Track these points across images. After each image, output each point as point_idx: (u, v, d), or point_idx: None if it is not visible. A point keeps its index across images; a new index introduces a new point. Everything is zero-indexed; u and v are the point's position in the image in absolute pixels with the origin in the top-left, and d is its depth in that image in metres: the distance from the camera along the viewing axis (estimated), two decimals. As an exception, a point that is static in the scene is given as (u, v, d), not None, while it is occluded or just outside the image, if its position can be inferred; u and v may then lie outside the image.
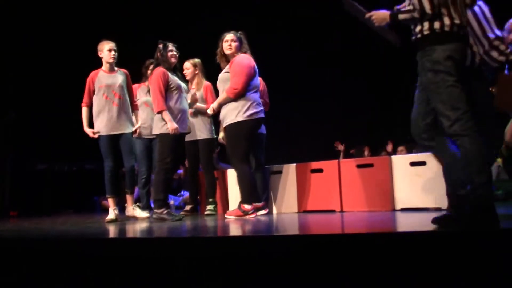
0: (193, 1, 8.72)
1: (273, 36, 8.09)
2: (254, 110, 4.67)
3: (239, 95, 4.63)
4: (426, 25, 2.82)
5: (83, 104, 5.08)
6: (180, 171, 8.55)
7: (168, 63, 4.80)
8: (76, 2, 8.55)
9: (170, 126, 4.60)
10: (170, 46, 4.84)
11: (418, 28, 2.87)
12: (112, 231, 3.79)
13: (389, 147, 7.57)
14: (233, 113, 4.63)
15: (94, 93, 5.05)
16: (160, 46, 4.82)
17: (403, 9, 2.90)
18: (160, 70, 4.72)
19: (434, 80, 2.77)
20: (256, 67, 4.80)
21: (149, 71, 5.24)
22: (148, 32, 7.68)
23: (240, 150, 4.63)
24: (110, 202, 5.00)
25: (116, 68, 5.17)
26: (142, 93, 5.63)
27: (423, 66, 2.84)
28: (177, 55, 4.88)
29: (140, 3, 8.79)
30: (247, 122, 4.62)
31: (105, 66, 5.11)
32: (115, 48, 5.12)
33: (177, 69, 4.94)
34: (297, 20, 8.34)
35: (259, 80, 4.89)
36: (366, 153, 7.71)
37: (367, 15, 3.05)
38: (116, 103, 5.02)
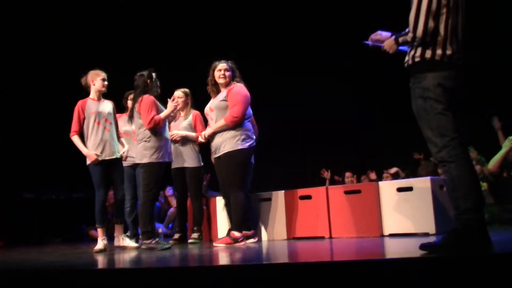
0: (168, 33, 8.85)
1: (258, 63, 8.19)
2: (251, 139, 4.77)
3: (237, 124, 4.69)
4: (418, 51, 2.86)
5: (72, 133, 5.01)
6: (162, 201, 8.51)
7: (157, 91, 4.84)
8: (57, 33, 8.61)
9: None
10: (154, 76, 4.90)
11: (411, 54, 2.91)
12: (101, 261, 3.76)
13: (372, 175, 7.63)
14: (231, 141, 4.67)
15: (84, 121, 5.04)
16: (153, 74, 4.86)
17: (403, 32, 2.95)
18: (151, 97, 4.75)
19: (423, 107, 2.82)
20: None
21: (129, 101, 5.33)
22: (122, 64, 7.76)
23: (238, 178, 4.67)
24: (100, 232, 4.96)
25: (101, 98, 5.22)
26: (122, 123, 5.59)
27: (414, 93, 2.89)
28: (159, 85, 4.95)
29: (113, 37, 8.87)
30: (246, 150, 4.69)
31: (94, 95, 5.13)
32: (106, 77, 5.18)
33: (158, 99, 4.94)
34: (284, 47, 8.47)
35: (251, 110, 4.95)
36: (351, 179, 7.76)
37: (383, 48, 3.09)
38: (108, 129, 5.06)
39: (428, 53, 2.83)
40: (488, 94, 6.74)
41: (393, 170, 7.38)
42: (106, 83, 5.15)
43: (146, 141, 4.69)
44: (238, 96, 4.73)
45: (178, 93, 5.69)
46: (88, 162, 4.97)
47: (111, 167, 5.06)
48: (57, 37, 8.63)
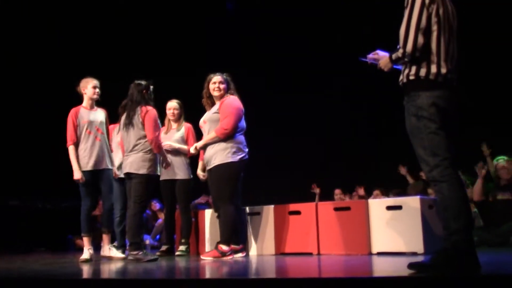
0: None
1: (251, 76, 8.22)
2: (242, 152, 4.75)
3: (228, 136, 4.67)
4: (413, 69, 2.87)
5: (69, 143, 4.93)
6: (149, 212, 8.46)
7: (152, 103, 4.83)
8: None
9: (167, 162, 4.89)
10: (151, 88, 4.90)
11: (405, 72, 2.92)
12: (86, 271, 3.71)
13: (361, 191, 7.64)
14: (222, 154, 4.66)
15: (77, 129, 4.97)
16: (150, 86, 4.85)
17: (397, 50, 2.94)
18: (155, 110, 4.78)
19: (416, 126, 2.83)
20: (243, 109, 4.87)
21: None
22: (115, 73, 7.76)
23: (228, 191, 4.65)
24: (86, 241, 4.90)
25: (95, 107, 5.17)
26: (116, 133, 5.55)
27: (408, 111, 2.89)
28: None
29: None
30: (236, 163, 4.67)
31: (86, 103, 5.10)
32: (98, 85, 5.14)
33: None
34: (277, 61, 8.51)
35: (245, 123, 4.93)
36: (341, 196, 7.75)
37: (378, 65, 3.10)
38: (99, 138, 5.02)
39: (423, 72, 2.84)
40: (478, 118, 6.79)
41: (361, 192, 7.47)
42: (97, 90, 5.11)
43: (146, 152, 4.67)
44: (230, 109, 4.73)
45: (174, 104, 5.68)
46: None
47: (100, 177, 5.01)
48: (45, 43, 8.62)
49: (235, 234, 4.72)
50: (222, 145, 4.68)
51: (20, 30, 8.49)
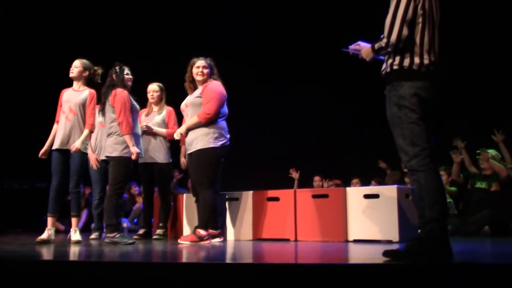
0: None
1: (232, 62, 8.18)
2: (224, 138, 4.73)
3: (210, 121, 4.65)
4: (397, 59, 2.88)
5: (55, 122, 5.09)
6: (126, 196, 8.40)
7: (125, 85, 4.77)
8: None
9: (134, 150, 4.56)
10: (126, 70, 4.84)
11: (389, 62, 2.94)
12: (61, 253, 3.69)
13: (336, 181, 7.70)
14: (203, 139, 4.64)
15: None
16: (117, 68, 4.77)
17: (379, 39, 2.96)
18: (125, 92, 4.68)
19: (398, 115, 2.85)
20: (226, 95, 4.84)
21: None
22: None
23: (208, 176, 4.63)
24: (49, 221, 4.85)
25: (83, 87, 5.11)
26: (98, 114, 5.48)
27: (389, 100, 2.91)
28: (131, 78, 4.90)
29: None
30: (217, 149, 4.65)
31: (73, 83, 5.12)
32: (77, 65, 5.08)
33: (131, 93, 4.85)
34: (259, 49, 8.47)
35: (227, 109, 4.90)
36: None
37: (360, 55, 3.11)
38: (70, 119, 4.96)
39: (406, 62, 2.86)
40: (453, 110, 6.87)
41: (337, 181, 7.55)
42: (72, 69, 5.07)
43: (118, 135, 4.62)
44: (212, 93, 4.70)
45: (154, 87, 5.64)
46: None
47: (69, 157, 4.94)
48: (26, 26, 8.44)
49: (213, 219, 4.72)
50: (204, 130, 4.66)
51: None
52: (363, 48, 3.10)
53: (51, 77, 5.11)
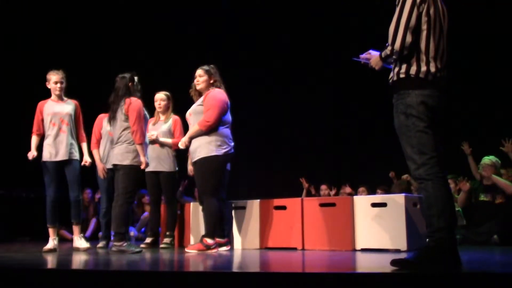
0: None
1: (240, 70, 8.20)
2: (227, 145, 4.71)
3: (210, 129, 4.65)
4: (403, 68, 2.88)
5: (32, 133, 5.12)
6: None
7: (138, 95, 4.80)
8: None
9: (144, 160, 4.60)
10: (136, 79, 4.88)
11: (395, 70, 2.93)
12: (69, 262, 3.69)
13: (347, 189, 7.65)
14: (206, 147, 4.63)
15: (43, 122, 5.08)
16: (134, 77, 4.82)
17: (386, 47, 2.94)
18: (140, 101, 4.74)
19: (405, 123, 2.85)
20: (229, 102, 4.84)
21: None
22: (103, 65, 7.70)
23: (211, 184, 4.62)
24: (50, 231, 4.95)
25: (65, 98, 5.20)
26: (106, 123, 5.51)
27: (397, 109, 2.90)
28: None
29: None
30: (220, 157, 4.64)
31: (53, 96, 5.17)
32: (62, 80, 5.15)
33: None
34: (267, 56, 8.49)
35: (230, 116, 4.90)
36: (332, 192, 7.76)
37: (370, 64, 3.12)
38: (64, 130, 5.03)
39: (413, 70, 2.86)
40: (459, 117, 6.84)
41: (348, 190, 7.48)
42: (59, 85, 5.12)
43: (129, 143, 4.64)
44: (212, 101, 4.71)
45: (161, 96, 5.65)
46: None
47: (65, 168, 5.02)
48: (19, 34, 8.51)
49: (219, 227, 4.72)
50: (207, 138, 4.66)
51: None
52: (373, 56, 3.11)
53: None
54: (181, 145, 4.89)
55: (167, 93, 5.72)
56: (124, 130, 4.68)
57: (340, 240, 4.70)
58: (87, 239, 5.12)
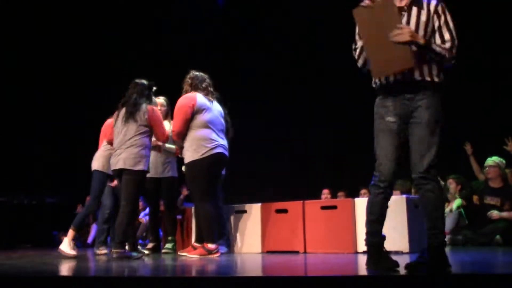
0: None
1: (241, 73, 8.20)
2: (205, 148, 4.60)
3: (180, 136, 4.70)
4: (439, 71, 2.81)
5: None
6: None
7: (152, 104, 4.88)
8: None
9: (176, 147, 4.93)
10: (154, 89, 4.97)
11: (433, 72, 2.80)
12: (69, 269, 3.68)
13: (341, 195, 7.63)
14: (186, 154, 4.67)
15: None
16: (153, 86, 4.89)
17: (441, 44, 2.79)
18: (158, 110, 4.87)
19: (437, 127, 2.78)
20: (201, 103, 4.70)
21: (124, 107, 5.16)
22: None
23: (198, 190, 4.61)
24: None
25: None
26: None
27: (432, 102, 2.78)
28: None
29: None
30: (201, 160, 4.58)
31: None
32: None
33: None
34: (268, 61, 8.49)
35: (215, 116, 4.80)
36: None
37: (399, 25, 2.71)
38: None
39: (442, 76, 2.84)
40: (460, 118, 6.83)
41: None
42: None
43: (142, 148, 4.60)
44: (175, 110, 4.77)
45: (161, 101, 5.64)
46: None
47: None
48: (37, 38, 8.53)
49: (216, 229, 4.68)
50: (185, 145, 4.69)
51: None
52: (406, 27, 2.73)
53: (60, 95, 5.13)
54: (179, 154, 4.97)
55: (166, 98, 5.72)
56: (139, 134, 4.61)
57: (342, 243, 4.69)
58: (90, 245, 5.10)
